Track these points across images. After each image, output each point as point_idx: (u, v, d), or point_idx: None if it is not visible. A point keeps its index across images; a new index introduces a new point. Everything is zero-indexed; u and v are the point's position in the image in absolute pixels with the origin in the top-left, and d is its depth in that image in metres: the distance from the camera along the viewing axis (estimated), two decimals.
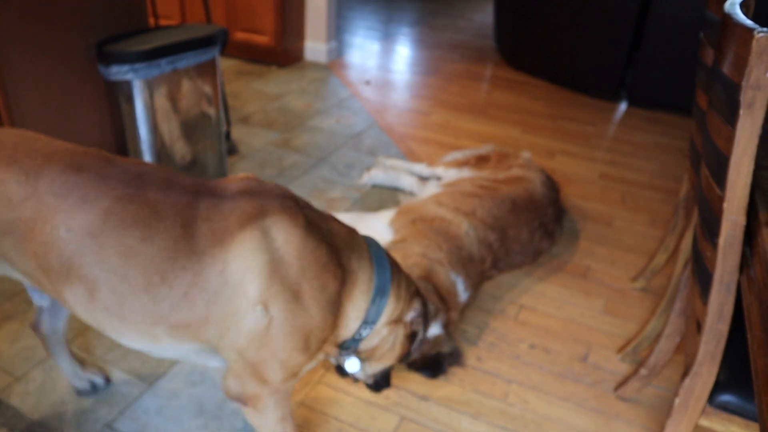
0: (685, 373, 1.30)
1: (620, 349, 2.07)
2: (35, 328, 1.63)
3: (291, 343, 1.23)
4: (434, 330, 1.91)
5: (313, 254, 1.22)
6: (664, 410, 1.86)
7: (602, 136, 3.82)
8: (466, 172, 2.70)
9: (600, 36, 4.27)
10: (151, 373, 1.83)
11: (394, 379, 1.89)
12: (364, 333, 1.37)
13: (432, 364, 1.90)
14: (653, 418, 1.83)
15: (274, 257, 1.18)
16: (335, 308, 1.28)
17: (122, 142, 2.43)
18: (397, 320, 1.43)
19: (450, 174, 2.76)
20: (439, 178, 2.81)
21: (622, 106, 4.36)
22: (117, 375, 1.82)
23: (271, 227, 1.19)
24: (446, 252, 2.09)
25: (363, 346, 1.43)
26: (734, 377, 1.26)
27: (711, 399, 1.28)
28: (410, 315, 1.45)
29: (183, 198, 1.20)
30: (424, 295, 1.55)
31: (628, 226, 2.83)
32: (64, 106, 2.24)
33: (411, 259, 2.02)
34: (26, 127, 2.12)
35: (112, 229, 1.14)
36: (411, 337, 1.48)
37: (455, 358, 1.96)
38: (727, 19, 1.09)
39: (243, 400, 1.32)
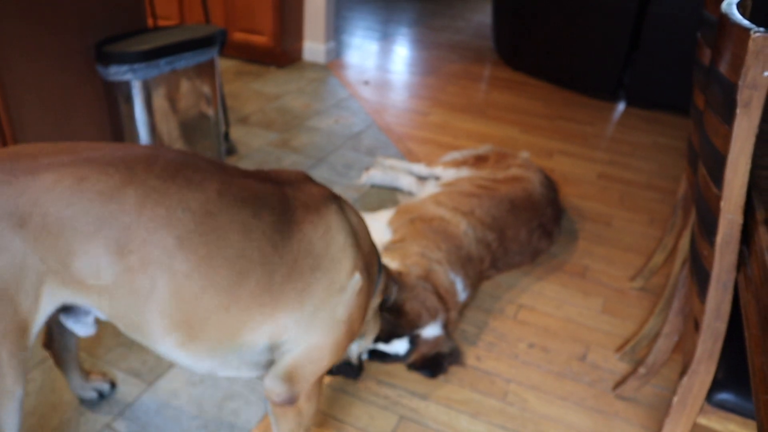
0: (683, 372, 1.30)
1: (619, 349, 2.08)
2: (48, 346, 1.60)
3: (362, 313, 1.33)
4: (434, 330, 1.91)
5: (368, 235, 1.38)
6: (662, 409, 1.86)
7: (600, 136, 3.82)
8: (464, 172, 2.70)
9: (598, 36, 4.27)
10: (151, 373, 1.83)
11: (394, 379, 1.89)
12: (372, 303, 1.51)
13: (432, 363, 1.90)
14: (652, 417, 1.84)
15: (354, 231, 1.30)
16: (374, 286, 1.42)
17: (121, 141, 2.43)
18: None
19: (448, 174, 2.76)
20: (437, 178, 2.82)
21: (621, 106, 4.37)
22: (117, 375, 1.82)
23: (342, 206, 1.31)
24: (445, 251, 2.09)
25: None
26: (732, 375, 1.27)
27: (709, 397, 1.29)
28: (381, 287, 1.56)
29: (265, 180, 1.27)
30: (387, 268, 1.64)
31: (627, 226, 2.84)
32: (62, 107, 2.24)
33: (410, 258, 2.03)
34: (24, 128, 2.13)
35: (227, 208, 1.16)
36: (381, 306, 1.61)
37: (455, 357, 1.97)
38: (724, 19, 1.10)
39: (293, 398, 1.33)
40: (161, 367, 1.86)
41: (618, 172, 3.36)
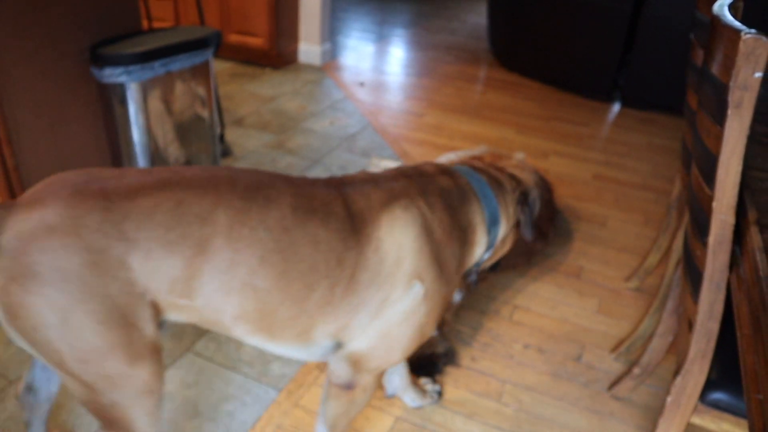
0: (676, 372, 1.31)
1: (614, 349, 2.08)
2: (23, 398, 1.45)
3: (435, 312, 1.34)
4: None
5: (441, 225, 1.33)
6: (657, 409, 1.87)
7: (596, 137, 3.83)
8: None
9: (593, 37, 4.28)
10: None
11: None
12: (485, 257, 1.51)
13: (427, 364, 1.91)
14: (647, 417, 1.84)
15: (417, 233, 1.29)
16: (462, 267, 1.42)
17: (116, 144, 2.43)
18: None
19: None
20: None
21: (616, 107, 4.38)
22: None
23: (406, 207, 1.30)
24: None
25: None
26: (725, 375, 1.27)
27: (702, 397, 1.29)
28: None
29: (328, 187, 1.29)
30: (521, 180, 1.61)
31: (622, 227, 2.84)
32: (57, 109, 2.24)
33: None
34: (18, 129, 2.12)
35: (300, 222, 1.20)
36: (517, 225, 1.59)
37: (450, 358, 1.97)
38: (716, 21, 1.11)
39: (352, 384, 1.39)
40: None
41: (613, 173, 3.37)
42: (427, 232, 1.30)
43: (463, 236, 1.39)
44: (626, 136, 3.88)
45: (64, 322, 1.03)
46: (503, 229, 1.51)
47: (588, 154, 3.58)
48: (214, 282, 1.15)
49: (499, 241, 1.53)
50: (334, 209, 1.24)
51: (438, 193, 1.37)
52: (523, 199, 1.56)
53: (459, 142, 3.57)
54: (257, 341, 1.28)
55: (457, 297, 2.07)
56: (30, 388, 1.42)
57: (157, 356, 1.18)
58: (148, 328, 1.14)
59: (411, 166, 1.47)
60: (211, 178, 1.17)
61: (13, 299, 1.02)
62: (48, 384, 1.44)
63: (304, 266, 1.20)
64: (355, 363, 1.35)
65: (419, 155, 3.33)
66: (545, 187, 2.63)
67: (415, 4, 7.20)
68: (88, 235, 1.04)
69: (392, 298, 1.27)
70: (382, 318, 1.29)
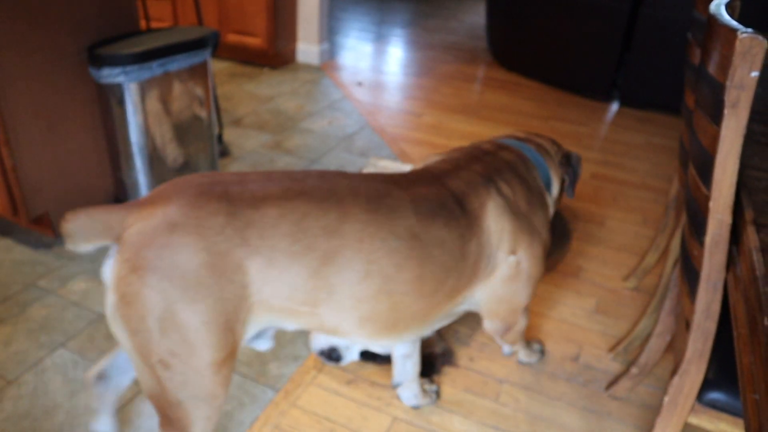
0: (674, 372, 1.31)
1: (612, 348, 2.08)
2: (93, 384, 1.45)
3: (537, 270, 1.55)
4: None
5: (523, 198, 1.49)
6: (655, 409, 1.87)
7: (594, 137, 3.83)
8: None
9: (591, 37, 4.28)
10: None
11: (387, 380, 1.89)
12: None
13: (424, 364, 1.91)
14: (644, 417, 1.84)
15: (510, 214, 1.44)
16: (548, 223, 1.60)
17: (113, 144, 2.43)
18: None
19: None
20: None
21: (614, 107, 4.38)
22: None
23: (498, 192, 1.43)
24: None
25: None
26: (722, 375, 1.27)
27: (700, 397, 1.29)
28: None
29: (432, 183, 1.38)
30: (561, 144, 1.77)
31: (620, 226, 2.84)
32: (55, 109, 2.24)
33: None
34: (16, 130, 2.12)
35: (426, 226, 1.28)
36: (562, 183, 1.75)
37: (447, 358, 1.97)
38: (712, 20, 1.11)
39: (503, 331, 1.65)
40: None
41: (611, 172, 3.37)
42: (516, 209, 1.46)
43: (540, 199, 1.57)
44: (624, 136, 3.88)
45: (171, 315, 1.08)
46: (555, 189, 1.68)
47: (586, 153, 3.58)
48: (345, 291, 1.20)
49: (554, 201, 1.71)
50: (449, 206, 1.34)
51: (508, 169, 1.52)
52: (567, 161, 1.72)
53: (457, 141, 3.57)
54: (376, 340, 1.35)
55: None
56: (101, 376, 1.44)
57: (233, 364, 1.21)
58: (240, 335, 1.17)
59: (471, 148, 1.60)
60: (333, 189, 1.22)
61: (130, 289, 1.07)
62: (121, 376, 1.45)
63: (435, 266, 1.29)
64: (497, 315, 1.59)
65: (417, 155, 3.33)
66: None
67: (413, 3, 7.20)
68: (210, 236, 1.08)
69: (497, 272, 1.46)
70: (491, 289, 1.49)
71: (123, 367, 1.44)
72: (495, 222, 1.41)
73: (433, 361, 1.92)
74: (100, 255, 2.32)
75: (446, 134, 3.67)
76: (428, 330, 1.44)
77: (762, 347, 0.81)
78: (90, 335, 1.96)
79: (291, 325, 1.27)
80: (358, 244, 1.19)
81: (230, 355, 1.17)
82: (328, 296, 1.20)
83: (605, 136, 3.87)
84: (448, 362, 1.97)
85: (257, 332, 1.28)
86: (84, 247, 1.09)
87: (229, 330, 1.14)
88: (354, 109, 3.90)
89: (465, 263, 1.36)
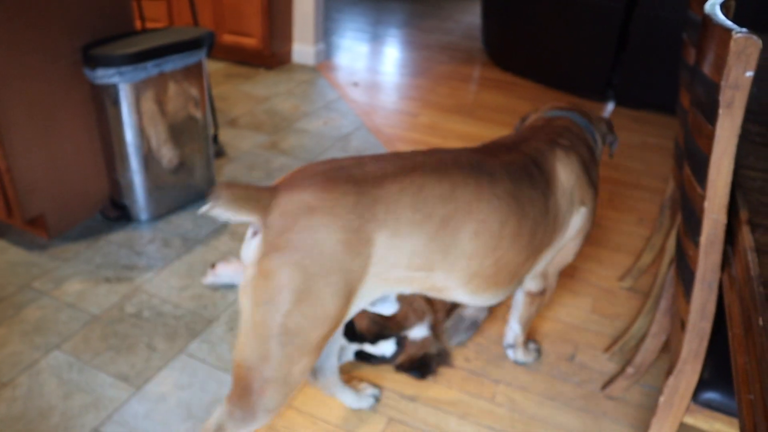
0: (669, 372, 1.31)
1: (607, 348, 2.09)
2: (317, 381, 1.69)
3: (592, 224, 1.71)
4: (421, 332, 1.91)
5: (583, 155, 1.65)
6: (651, 408, 1.87)
7: None
8: None
9: (587, 36, 4.29)
10: (139, 377, 1.83)
11: (382, 381, 1.89)
12: None
13: (420, 365, 1.90)
14: (640, 417, 1.84)
15: (577, 170, 1.61)
16: (598, 178, 1.75)
17: (108, 145, 2.42)
18: None
19: None
20: None
21: (610, 106, 4.38)
22: (104, 379, 1.81)
23: (564, 153, 1.60)
24: None
25: None
26: (718, 375, 1.27)
27: (695, 397, 1.29)
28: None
29: (512, 150, 1.54)
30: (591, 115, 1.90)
31: (616, 226, 2.85)
32: (49, 109, 2.23)
33: None
34: (11, 130, 2.11)
35: (519, 188, 1.45)
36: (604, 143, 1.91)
37: (443, 358, 1.97)
38: (707, 20, 1.11)
39: (542, 291, 1.80)
40: (150, 370, 1.85)
41: (607, 172, 3.37)
42: (581, 166, 1.62)
43: (593, 157, 1.72)
44: (620, 135, 3.88)
45: (308, 288, 1.20)
46: (598, 149, 1.82)
47: None
48: (458, 251, 1.35)
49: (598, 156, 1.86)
50: (530, 169, 1.51)
51: (567, 132, 1.67)
52: (609, 126, 1.89)
53: (453, 141, 3.57)
54: (477, 296, 1.49)
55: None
56: (314, 372, 1.66)
57: (337, 328, 1.32)
58: (355, 303, 1.30)
59: (529, 126, 1.75)
60: (440, 162, 1.36)
61: (271, 264, 1.19)
62: (327, 361, 1.66)
63: (529, 221, 1.46)
64: (545, 275, 1.75)
65: None
66: None
67: (409, 4, 7.20)
68: (344, 215, 1.20)
69: (569, 222, 1.62)
70: (562, 243, 1.66)
71: (324, 354, 1.64)
72: (566, 178, 1.58)
73: (428, 362, 1.91)
74: (94, 256, 2.32)
75: (442, 134, 3.67)
76: (512, 290, 1.59)
77: (757, 348, 0.81)
78: (85, 337, 1.95)
79: (403, 290, 1.39)
80: (468, 207, 1.34)
81: (339, 322, 1.29)
82: (443, 258, 1.34)
83: None
84: (444, 363, 1.96)
85: (370, 302, 1.39)
86: (227, 215, 1.19)
87: (348, 302, 1.26)
88: (350, 110, 3.89)
89: (548, 218, 1.54)
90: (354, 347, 1.84)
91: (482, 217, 1.36)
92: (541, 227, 1.51)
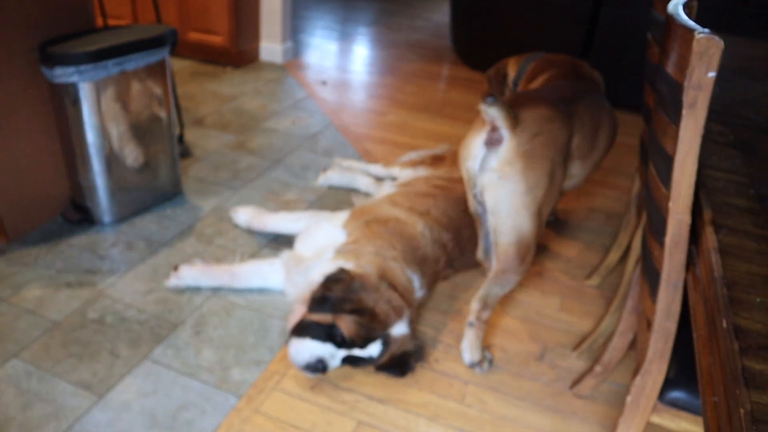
0: (636, 372, 1.31)
1: (576, 347, 2.09)
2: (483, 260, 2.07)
3: None
4: (401, 328, 1.89)
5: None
6: (619, 406, 1.88)
7: None
8: (421, 172, 2.69)
9: (554, 35, 4.31)
10: (102, 385, 1.78)
11: (351, 383, 1.87)
12: None
13: (399, 363, 1.89)
14: (609, 415, 1.85)
15: (609, 111, 2.30)
16: None
17: (69, 145, 2.36)
18: None
19: (405, 174, 2.75)
20: (394, 179, 2.80)
21: None
22: (65, 387, 1.76)
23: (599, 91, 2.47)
24: (400, 250, 2.07)
25: None
26: (683, 374, 1.28)
27: (661, 396, 1.30)
28: None
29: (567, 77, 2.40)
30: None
31: (583, 224, 2.86)
32: (4, 110, 2.16)
33: (364, 258, 2.00)
34: None
35: (591, 117, 2.08)
36: None
37: (419, 354, 1.96)
38: (670, 20, 1.11)
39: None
40: (113, 377, 1.80)
41: None
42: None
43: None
44: None
45: (553, 172, 1.82)
46: None
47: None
48: (597, 145, 2.13)
49: None
50: (588, 100, 2.14)
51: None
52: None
53: (422, 140, 3.56)
54: (584, 176, 2.16)
55: (419, 293, 2.07)
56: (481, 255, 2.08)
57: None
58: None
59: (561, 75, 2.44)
60: (562, 93, 2.07)
61: (533, 157, 1.75)
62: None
63: (595, 139, 2.11)
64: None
65: (381, 154, 3.31)
66: None
67: (378, 2, 7.17)
68: (567, 123, 1.89)
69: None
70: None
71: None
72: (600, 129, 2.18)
73: (407, 360, 1.90)
74: (55, 261, 2.25)
75: (410, 133, 3.65)
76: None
77: (721, 350, 0.81)
78: (45, 344, 1.90)
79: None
80: (601, 122, 2.13)
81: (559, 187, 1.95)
82: (591, 151, 2.09)
83: None
84: (421, 359, 1.96)
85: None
86: (497, 116, 1.70)
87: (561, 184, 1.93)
88: (318, 109, 3.86)
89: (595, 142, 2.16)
90: (342, 354, 1.80)
91: (601, 124, 2.11)
92: (598, 150, 2.18)
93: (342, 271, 1.90)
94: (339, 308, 1.80)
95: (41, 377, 1.78)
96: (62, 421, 1.66)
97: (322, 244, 2.15)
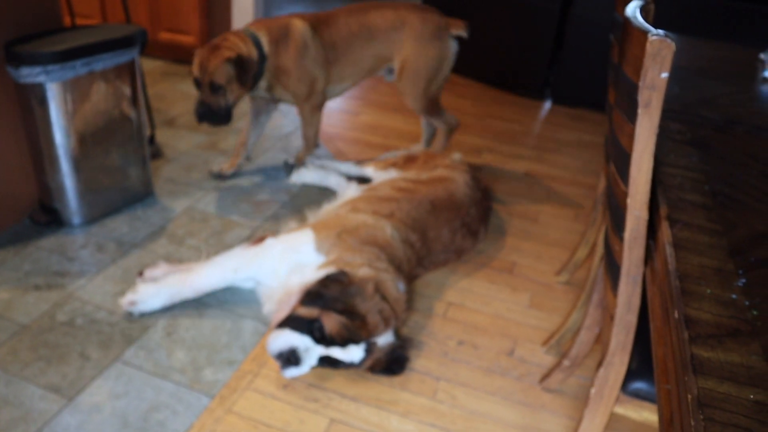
0: (599, 364, 1.34)
1: (545, 342, 2.13)
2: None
3: None
4: (387, 338, 1.91)
5: None
6: (586, 399, 1.92)
7: (528, 134, 3.91)
8: (392, 173, 2.71)
9: (524, 36, 4.37)
10: (71, 387, 1.77)
11: (323, 382, 1.88)
12: None
13: (394, 363, 1.91)
14: (577, 408, 1.89)
15: None
16: None
17: (36, 146, 2.33)
18: None
19: (378, 176, 2.77)
20: (367, 179, 2.82)
21: (547, 105, 4.48)
22: (33, 391, 1.74)
23: None
24: (387, 261, 2.08)
25: None
26: (644, 365, 1.31)
27: (624, 387, 1.33)
28: None
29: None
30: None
31: (553, 222, 2.91)
32: None
33: (360, 269, 1.98)
34: None
35: None
36: None
37: (406, 348, 2.00)
38: (627, 22, 1.14)
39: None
40: (83, 380, 1.79)
41: (544, 169, 3.44)
42: None
43: None
44: (557, 133, 3.97)
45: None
46: None
47: (520, 150, 3.65)
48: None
49: None
50: None
51: None
52: None
53: (395, 141, 3.58)
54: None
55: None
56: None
57: None
58: None
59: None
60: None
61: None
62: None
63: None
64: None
65: (354, 154, 3.32)
66: (477, 187, 2.66)
67: (350, 2, 7.17)
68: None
69: None
70: None
71: None
72: None
73: (401, 359, 1.94)
74: (22, 263, 2.23)
75: (383, 133, 3.67)
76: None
77: (673, 340, 0.84)
78: (12, 348, 1.88)
79: None
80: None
81: None
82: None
83: (539, 133, 3.95)
84: (409, 347, 2.01)
85: None
86: None
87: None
88: (290, 109, 3.86)
89: None
90: (320, 350, 1.80)
91: None
92: None
93: (343, 273, 1.90)
94: (329, 306, 1.81)
95: (9, 381, 1.77)
96: (31, 424, 1.65)
97: (300, 277, 2.02)
